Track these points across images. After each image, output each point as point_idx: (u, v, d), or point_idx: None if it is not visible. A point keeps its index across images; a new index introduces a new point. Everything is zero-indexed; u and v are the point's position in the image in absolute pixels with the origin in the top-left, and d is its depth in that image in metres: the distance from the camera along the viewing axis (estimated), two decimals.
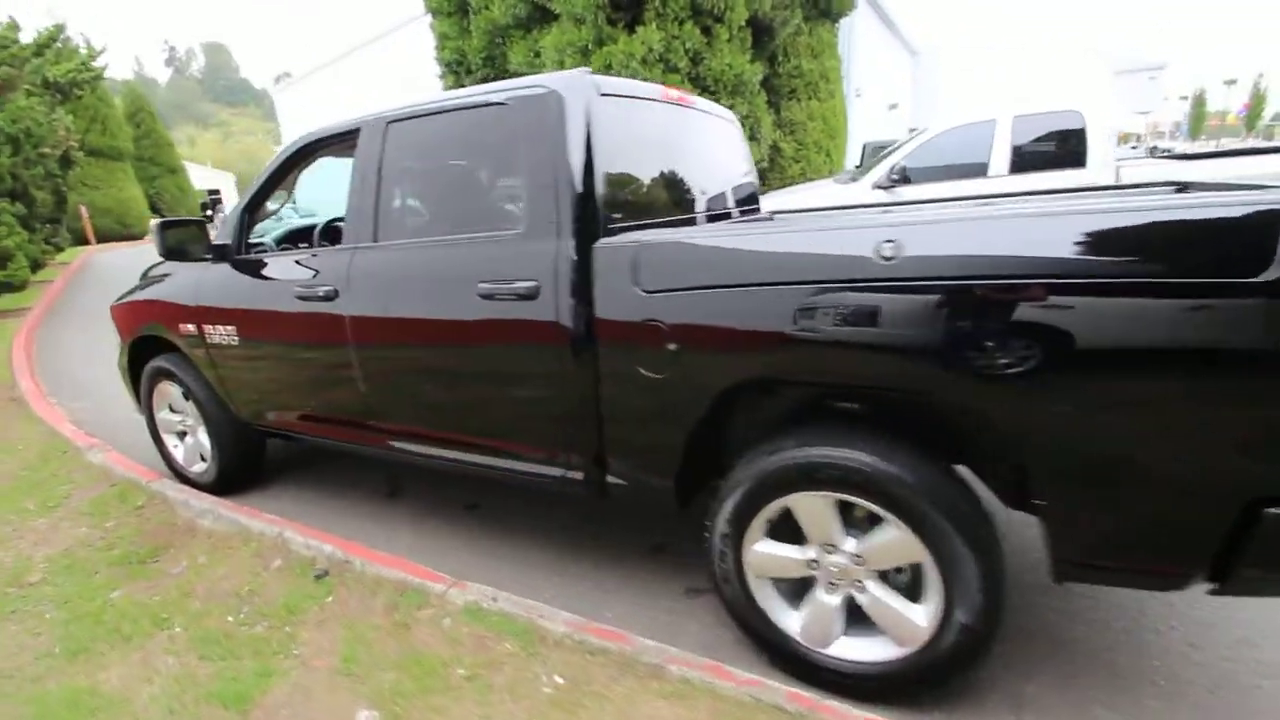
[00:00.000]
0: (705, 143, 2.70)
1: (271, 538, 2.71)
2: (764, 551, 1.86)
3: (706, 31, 9.27)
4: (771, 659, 1.94)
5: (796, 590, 1.91)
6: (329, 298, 2.46)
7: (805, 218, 2.73)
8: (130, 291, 3.41)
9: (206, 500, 3.08)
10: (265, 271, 2.75)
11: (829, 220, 2.21)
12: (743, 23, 9.53)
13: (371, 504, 3.20)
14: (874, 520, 1.71)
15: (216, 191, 40.45)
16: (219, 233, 2.84)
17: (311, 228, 3.45)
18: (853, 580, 1.79)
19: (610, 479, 2.10)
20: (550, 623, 2.05)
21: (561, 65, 9.31)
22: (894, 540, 1.66)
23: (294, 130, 31.01)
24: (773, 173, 11.87)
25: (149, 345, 3.33)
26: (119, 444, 3.97)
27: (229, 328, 2.81)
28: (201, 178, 36.59)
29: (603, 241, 1.95)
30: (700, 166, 2.63)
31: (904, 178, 5.81)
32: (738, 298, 1.69)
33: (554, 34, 9.34)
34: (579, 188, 1.96)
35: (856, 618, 1.84)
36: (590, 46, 9.03)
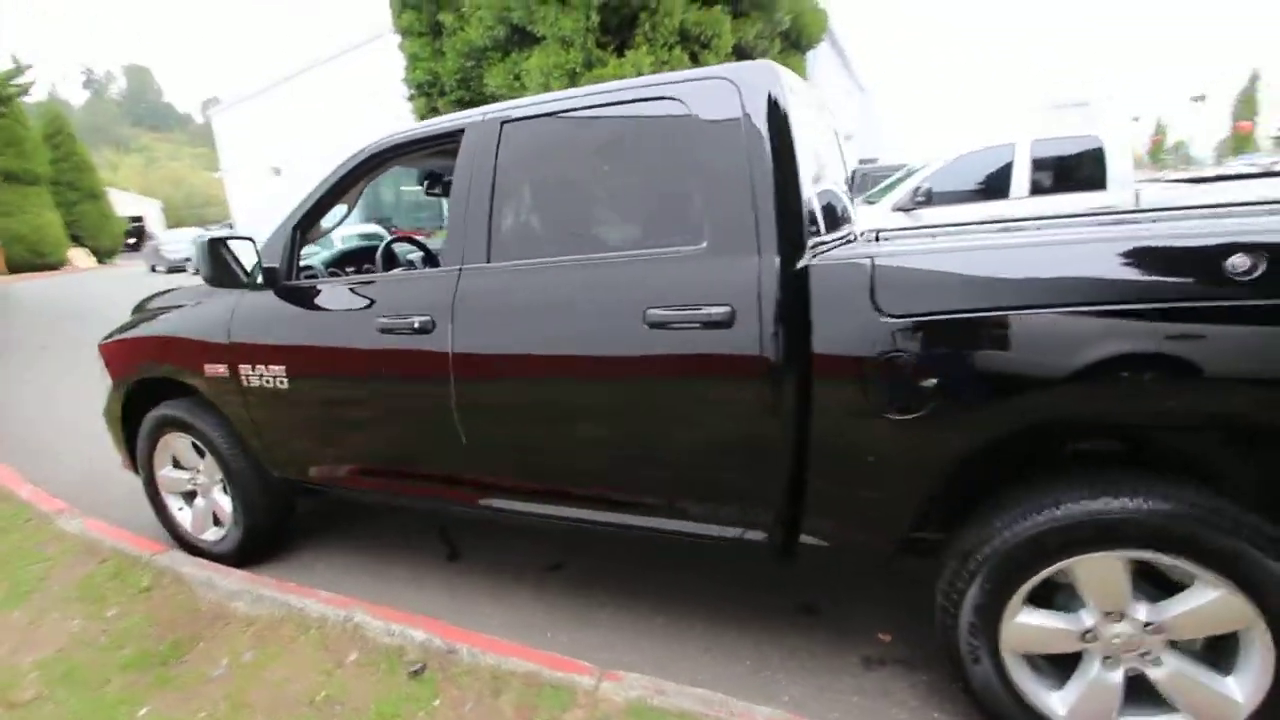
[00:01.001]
0: (831, 141, 2.41)
1: (337, 623, 2.20)
2: (1030, 624, 1.54)
3: (694, 58, 9.20)
4: None
5: (1058, 667, 1.61)
6: (424, 330, 2.04)
7: (1095, 225, 2.19)
8: (127, 326, 2.85)
9: (236, 577, 2.52)
10: (326, 300, 2.29)
11: (1154, 227, 1.73)
12: (729, 50, 9.52)
13: (431, 570, 2.71)
14: (1164, 580, 1.45)
15: (139, 218, 38.06)
16: (265, 254, 2.36)
17: (367, 250, 2.98)
18: (1141, 652, 1.50)
19: (806, 539, 1.75)
20: None
21: (547, 87, 9.04)
22: (1212, 603, 1.39)
23: (234, 155, 29.55)
24: None
25: (149, 390, 2.78)
26: (92, 507, 3.32)
27: (275, 368, 2.32)
28: (125, 204, 34.37)
29: (823, 257, 1.63)
30: (835, 168, 2.34)
31: (928, 199, 5.76)
32: (1033, 322, 1.39)
33: (539, 56, 9.07)
34: (783, 194, 1.65)
35: (1135, 697, 1.54)
36: (579, 69, 8.80)
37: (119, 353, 2.84)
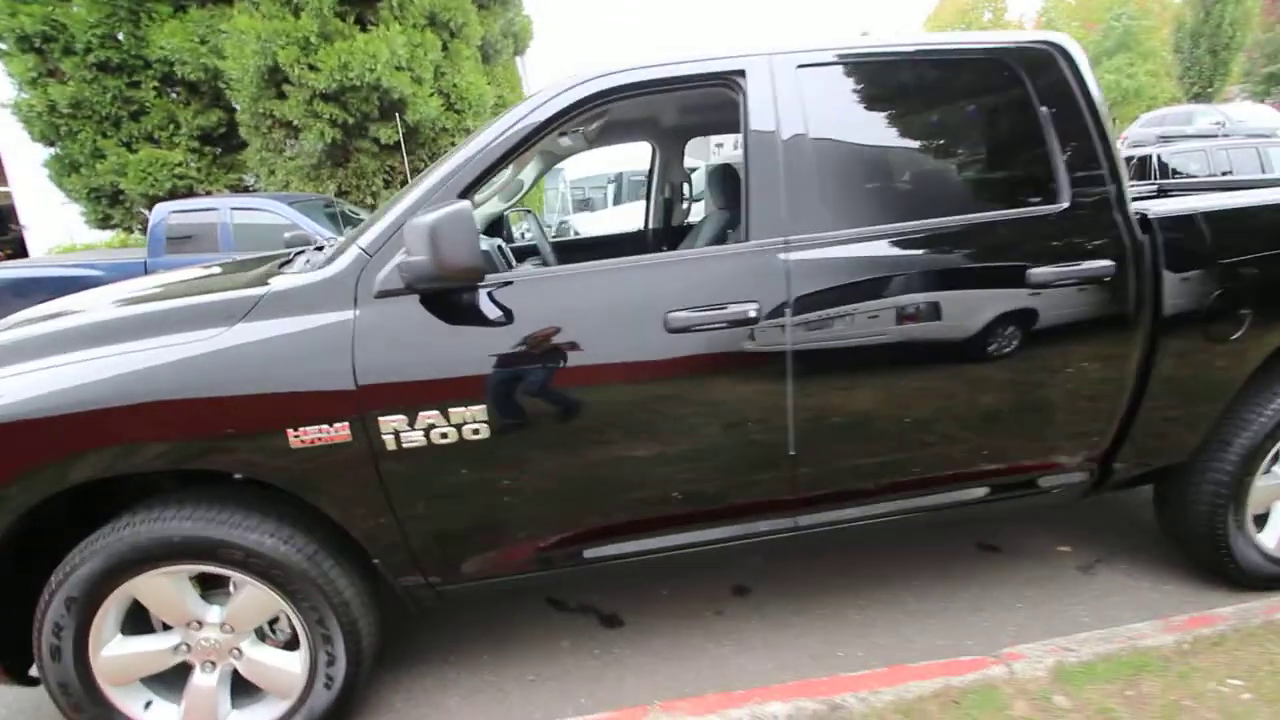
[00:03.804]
0: None
1: None
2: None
3: (444, 48, 8.38)
4: None
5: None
6: (747, 322, 1.53)
7: None
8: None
9: None
10: (555, 300, 1.51)
11: None
12: (479, 40, 8.95)
13: (602, 639, 2.02)
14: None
15: None
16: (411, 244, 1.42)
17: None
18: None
19: (1119, 467, 1.88)
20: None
21: (268, 56, 7.22)
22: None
23: None
24: None
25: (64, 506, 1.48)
26: None
27: (468, 411, 1.45)
28: None
29: (1157, 209, 1.76)
30: None
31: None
32: None
33: (249, 18, 7.18)
34: (1112, 151, 1.73)
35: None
36: (314, 39, 7.23)
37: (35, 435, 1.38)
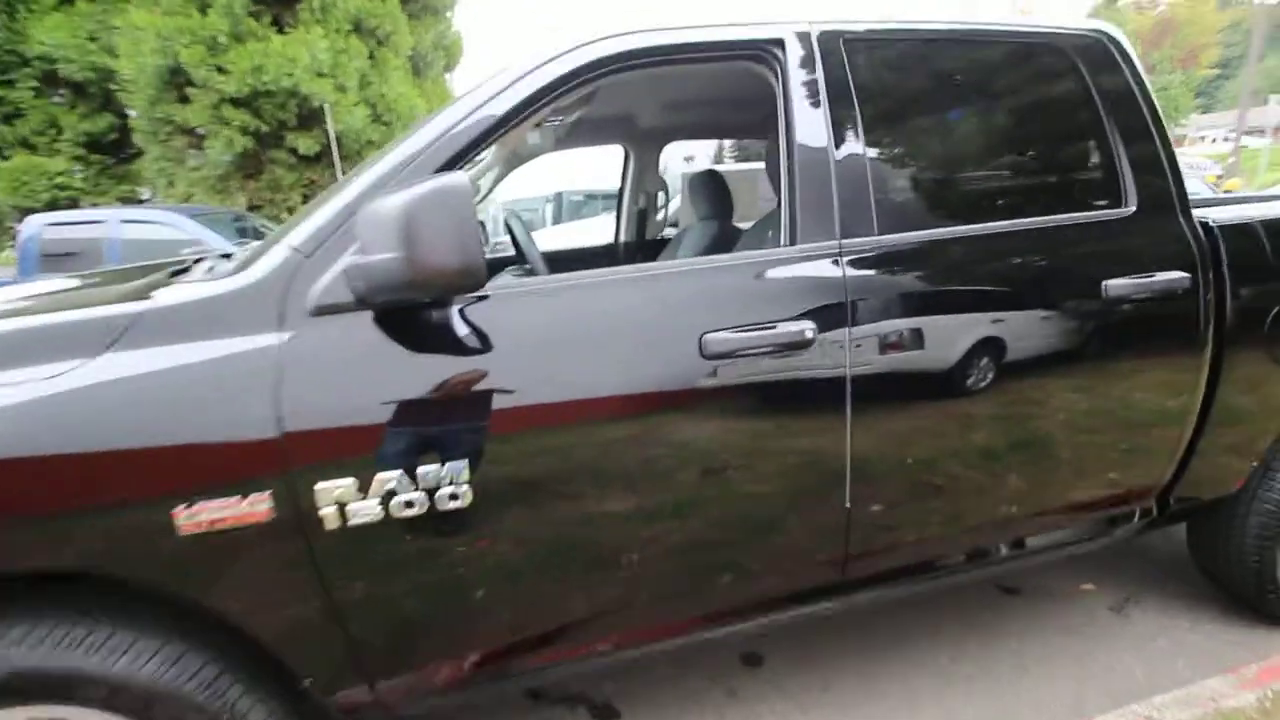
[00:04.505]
0: None
1: None
2: None
3: (371, 55, 7.87)
4: None
5: None
6: (802, 345, 1.21)
7: None
8: None
9: None
10: (559, 318, 1.14)
11: None
12: (409, 50, 8.48)
13: None
14: None
15: None
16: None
17: None
18: None
19: (1176, 500, 1.69)
20: None
21: (169, 55, 6.51)
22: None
23: None
24: None
25: None
26: None
27: (444, 469, 1.05)
28: None
29: (1216, 217, 1.59)
30: None
31: None
32: None
33: (151, 14, 6.46)
34: (1172, 153, 1.56)
35: None
36: (224, 39, 6.58)
37: None
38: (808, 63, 1.31)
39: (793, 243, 1.26)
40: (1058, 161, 1.59)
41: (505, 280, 1.37)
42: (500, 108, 1.14)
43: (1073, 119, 1.54)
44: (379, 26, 7.74)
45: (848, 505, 1.31)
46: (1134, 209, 1.49)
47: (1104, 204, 1.50)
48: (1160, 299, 1.46)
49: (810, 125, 1.30)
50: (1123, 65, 1.54)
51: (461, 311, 1.09)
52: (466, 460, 1.06)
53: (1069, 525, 1.61)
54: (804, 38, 1.33)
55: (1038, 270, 1.42)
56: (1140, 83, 1.54)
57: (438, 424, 1.06)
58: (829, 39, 1.34)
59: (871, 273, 1.29)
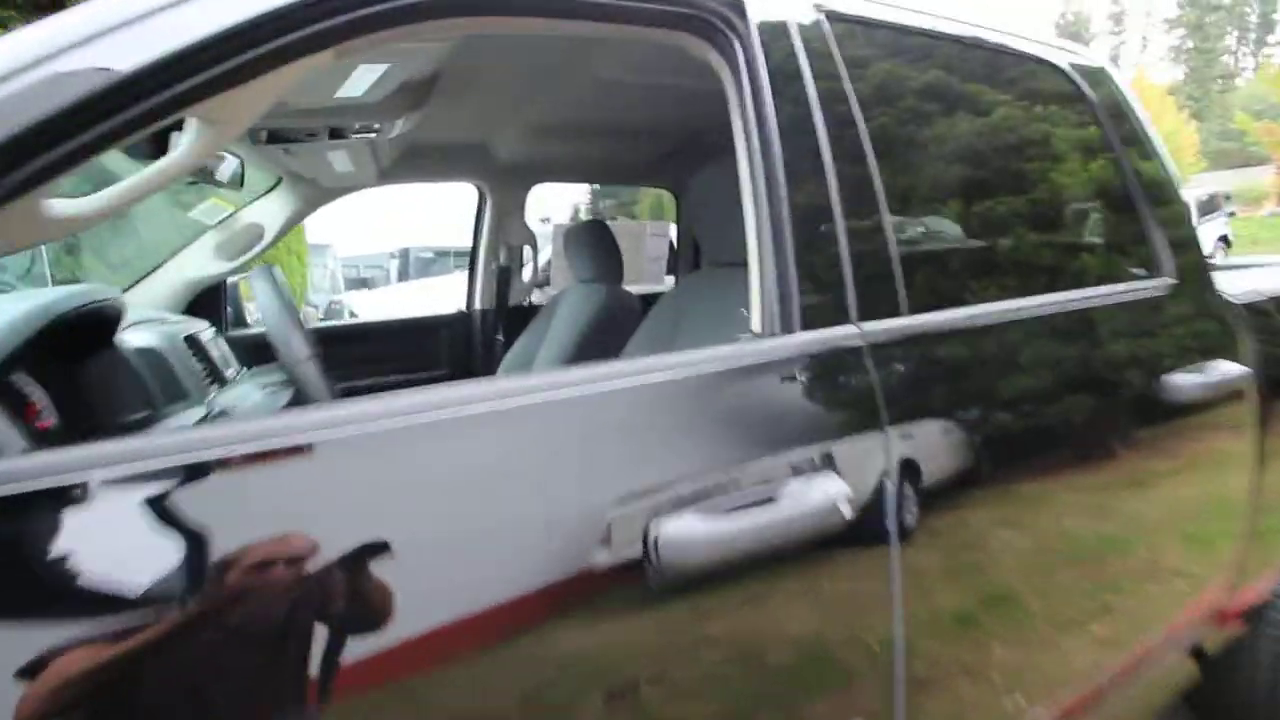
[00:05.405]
0: None
1: None
2: None
3: None
4: None
5: None
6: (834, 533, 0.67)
7: None
8: None
9: None
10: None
11: None
12: None
13: None
14: None
15: None
16: None
17: None
18: None
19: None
20: None
21: None
22: None
23: None
24: None
25: None
26: None
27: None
28: None
29: (1240, 287, 1.35)
30: None
31: None
32: None
33: None
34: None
35: None
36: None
37: None
38: (793, 43, 0.85)
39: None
40: (1084, 214, 1.28)
41: (249, 392, 0.72)
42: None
43: (1088, 159, 1.23)
44: None
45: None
46: (1174, 280, 1.21)
47: (1142, 274, 1.22)
48: (1225, 400, 1.18)
49: (846, 135, 0.84)
50: (1122, 98, 1.31)
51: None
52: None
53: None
54: (782, 5, 0.87)
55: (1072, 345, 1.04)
56: (1143, 120, 1.33)
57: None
58: (809, 11, 0.90)
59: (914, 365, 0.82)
